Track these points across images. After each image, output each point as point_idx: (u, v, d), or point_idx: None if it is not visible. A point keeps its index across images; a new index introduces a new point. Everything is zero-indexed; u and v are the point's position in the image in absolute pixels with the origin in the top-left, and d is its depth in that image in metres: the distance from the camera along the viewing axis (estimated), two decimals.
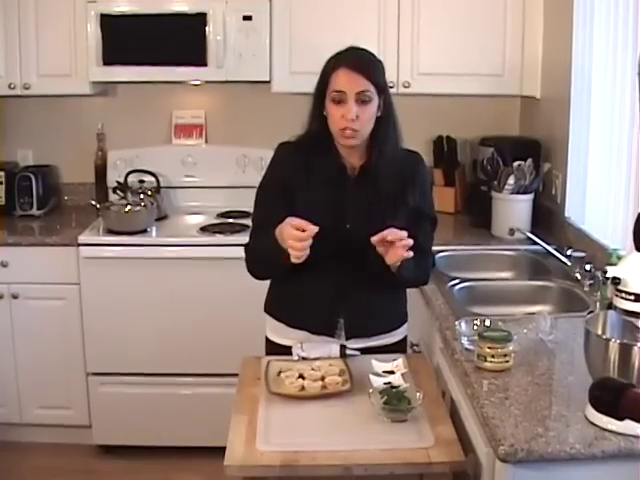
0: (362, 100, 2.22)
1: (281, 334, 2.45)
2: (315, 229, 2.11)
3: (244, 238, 2.51)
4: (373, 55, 2.32)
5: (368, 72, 2.23)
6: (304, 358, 2.28)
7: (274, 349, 2.46)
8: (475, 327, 2.21)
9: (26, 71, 3.68)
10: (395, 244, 2.13)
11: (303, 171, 2.32)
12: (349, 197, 2.33)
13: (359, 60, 2.26)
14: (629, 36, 2.69)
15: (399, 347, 2.49)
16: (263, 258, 2.35)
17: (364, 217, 2.30)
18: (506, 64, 3.63)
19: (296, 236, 2.11)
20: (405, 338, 2.54)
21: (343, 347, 2.32)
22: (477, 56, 3.61)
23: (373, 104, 2.25)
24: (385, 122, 2.30)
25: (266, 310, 2.51)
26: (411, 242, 2.14)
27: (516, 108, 4.03)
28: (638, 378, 1.66)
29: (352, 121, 2.22)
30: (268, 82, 3.69)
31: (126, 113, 4.06)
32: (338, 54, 2.29)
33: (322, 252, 2.21)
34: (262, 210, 2.40)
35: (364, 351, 2.35)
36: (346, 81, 2.21)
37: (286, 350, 2.37)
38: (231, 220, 3.76)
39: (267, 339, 2.52)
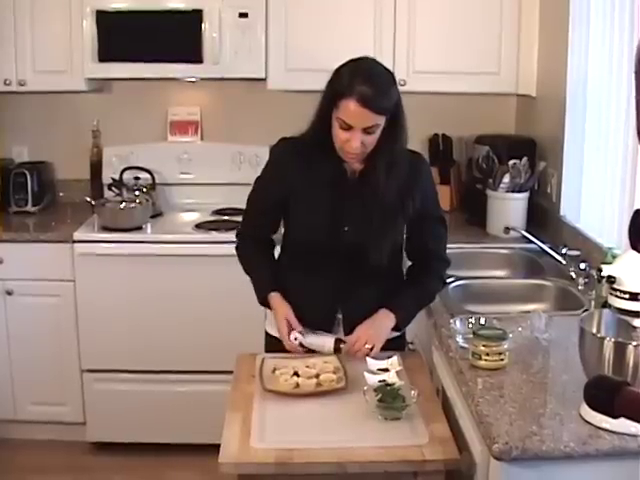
0: (369, 132, 2.19)
1: None
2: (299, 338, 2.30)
3: None
4: (387, 73, 2.22)
5: (379, 107, 2.15)
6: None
7: (273, 343, 2.45)
8: (470, 325, 2.21)
9: (21, 67, 3.67)
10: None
11: (303, 172, 2.31)
12: (348, 200, 2.32)
13: (372, 93, 2.13)
14: (625, 34, 2.69)
15: (397, 344, 2.47)
16: (248, 273, 2.47)
17: (362, 220, 2.30)
18: (502, 62, 3.63)
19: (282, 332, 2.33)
20: (404, 335, 2.53)
21: (339, 341, 2.32)
22: (473, 54, 3.61)
23: (380, 129, 2.20)
24: (391, 132, 2.24)
25: None
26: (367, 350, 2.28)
27: (512, 106, 4.03)
28: (633, 376, 1.66)
29: (356, 148, 2.20)
30: (264, 79, 3.67)
31: (122, 110, 4.05)
32: (353, 73, 2.17)
33: (320, 252, 2.29)
34: (257, 202, 2.44)
35: None
36: (355, 116, 2.15)
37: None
38: (226, 217, 3.76)
39: (266, 333, 2.52)
